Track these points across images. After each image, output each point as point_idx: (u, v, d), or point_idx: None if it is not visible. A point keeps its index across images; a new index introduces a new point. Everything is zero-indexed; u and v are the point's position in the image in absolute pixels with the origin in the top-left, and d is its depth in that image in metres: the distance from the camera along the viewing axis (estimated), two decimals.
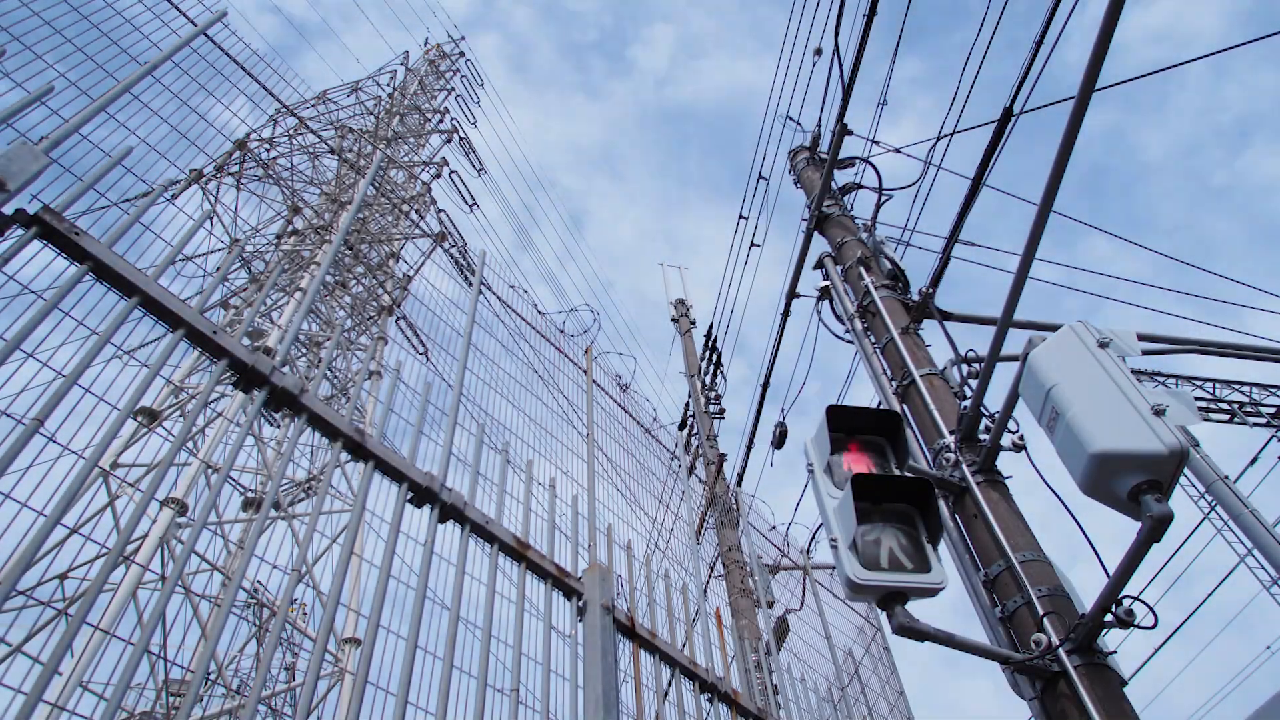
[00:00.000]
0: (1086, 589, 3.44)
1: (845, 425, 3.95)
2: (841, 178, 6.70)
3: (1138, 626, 2.95)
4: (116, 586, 7.83)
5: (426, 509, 2.78)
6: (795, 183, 7.48)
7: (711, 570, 8.89)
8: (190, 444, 9.73)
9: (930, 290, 5.07)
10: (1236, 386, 11.78)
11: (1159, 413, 2.75)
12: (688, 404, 11.16)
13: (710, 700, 3.58)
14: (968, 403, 4.12)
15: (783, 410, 7.47)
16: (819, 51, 7.53)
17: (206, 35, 7.55)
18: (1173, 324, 5.51)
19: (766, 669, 5.01)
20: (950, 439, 4.23)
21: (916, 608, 3.38)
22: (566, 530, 3.47)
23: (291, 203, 14.06)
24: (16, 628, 7.79)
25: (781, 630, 8.26)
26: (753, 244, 9.48)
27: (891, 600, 3.29)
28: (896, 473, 3.84)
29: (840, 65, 6.06)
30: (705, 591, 5.62)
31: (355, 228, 14.29)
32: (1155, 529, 2.70)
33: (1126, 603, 2.96)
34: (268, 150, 13.88)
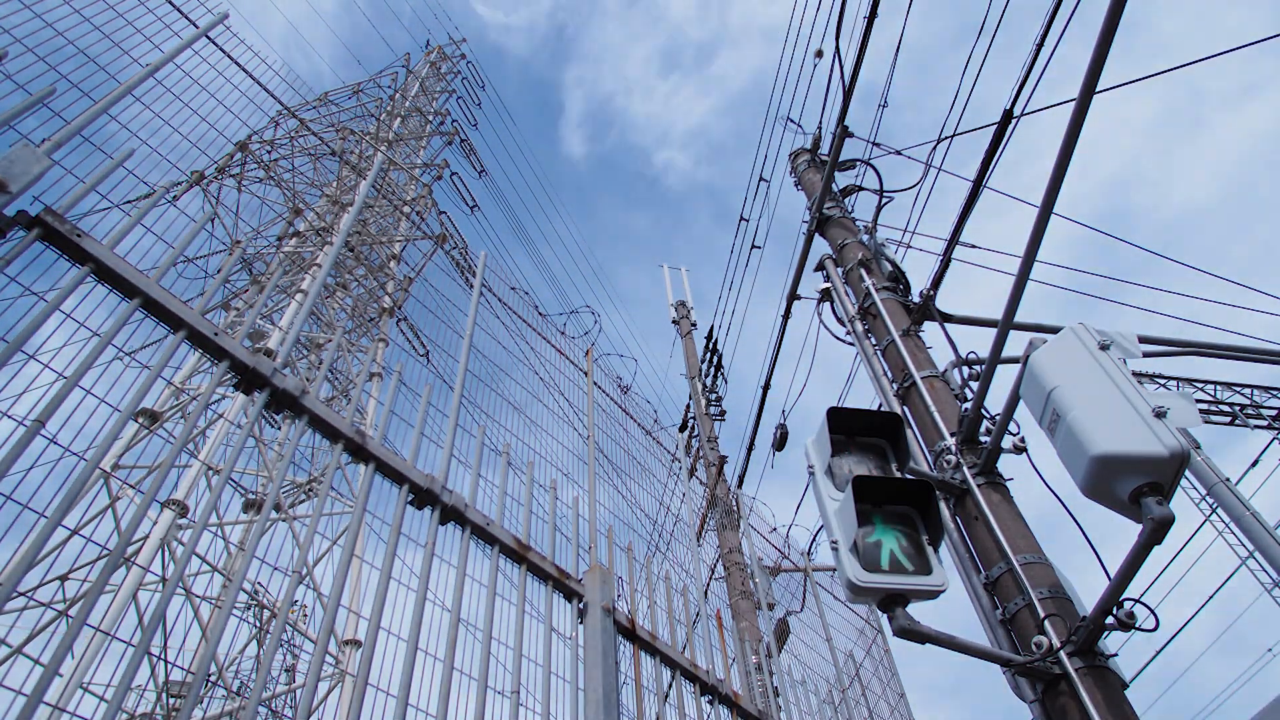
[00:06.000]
0: (1087, 592, 3.44)
1: (846, 427, 3.95)
2: (842, 179, 6.71)
3: (1139, 629, 2.94)
4: (117, 588, 7.84)
5: (427, 511, 2.79)
6: (796, 185, 7.48)
7: (712, 572, 8.88)
8: (191, 446, 9.73)
9: (931, 292, 5.07)
10: (1237, 389, 11.78)
11: (1160, 415, 2.75)
12: (688, 406, 11.15)
13: (711, 702, 3.58)
14: (969, 405, 4.12)
15: (784, 412, 7.47)
16: (820, 53, 7.54)
17: (208, 37, 7.56)
18: (1173, 326, 5.51)
19: (767, 671, 5.00)
20: (951, 441, 4.23)
21: (918, 609, 3.38)
22: (567, 532, 3.47)
23: (293, 204, 14.07)
24: (17, 629, 7.80)
25: (782, 632, 8.25)
26: (754, 246, 9.49)
27: (892, 602, 3.29)
28: (897, 475, 3.84)
29: (841, 67, 6.07)
30: (706, 593, 5.61)
31: (356, 229, 14.30)
32: (1156, 531, 2.69)
33: (1128, 605, 2.95)
34: (269, 152, 13.89)
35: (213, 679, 9.85)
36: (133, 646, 3.01)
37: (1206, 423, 11.36)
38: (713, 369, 11.02)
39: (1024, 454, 3.92)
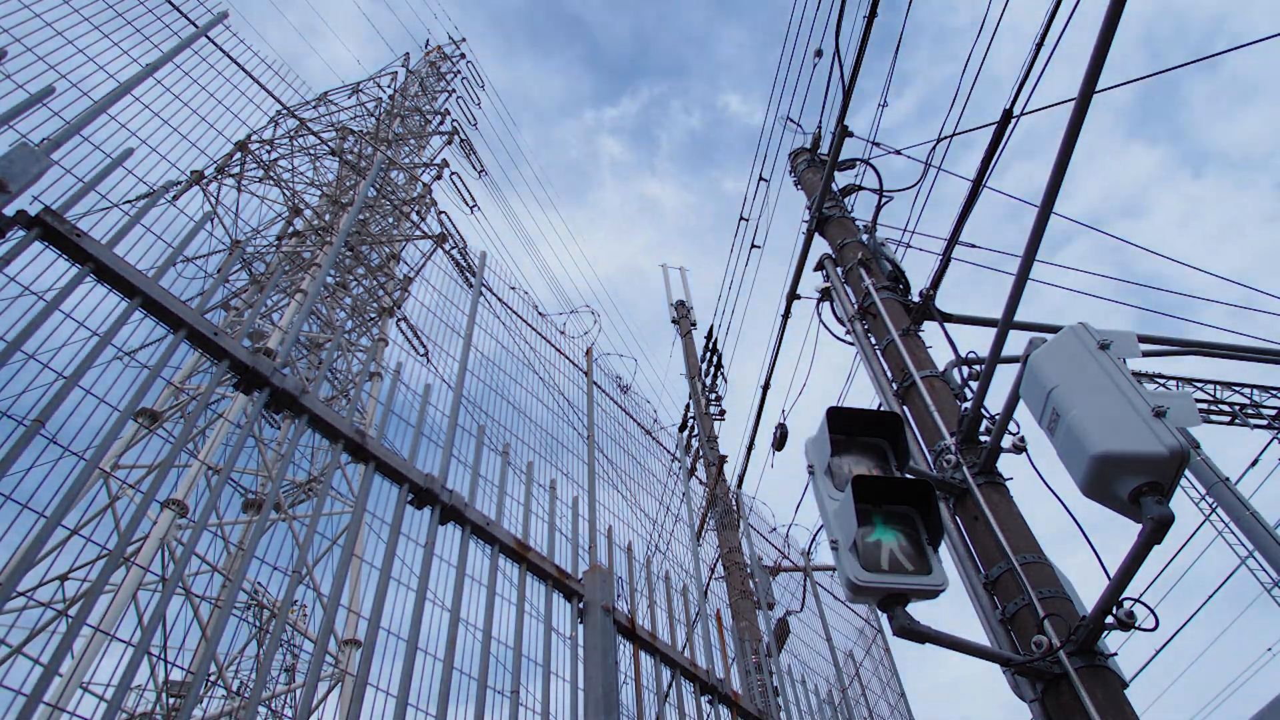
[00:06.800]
0: (1086, 592, 3.44)
1: (846, 427, 3.94)
2: (842, 179, 6.70)
3: (1139, 629, 2.94)
4: (117, 588, 7.84)
5: (427, 510, 2.79)
6: (796, 184, 7.48)
7: (712, 572, 8.88)
8: (191, 445, 9.73)
9: (931, 292, 5.07)
10: (1237, 388, 11.78)
11: (1159, 414, 2.75)
12: (688, 405, 11.15)
13: (711, 702, 3.58)
14: (968, 404, 4.12)
15: (783, 412, 7.47)
16: (819, 53, 7.53)
17: (207, 37, 7.56)
18: (1173, 326, 5.51)
19: (767, 671, 5.00)
20: (951, 441, 4.23)
21: (917, 609, 3.38)
22: (567, 532, 3.47)
23: (292, 204, 14.07)
24: (17, 629, 7.80)
25: (782, 632, 8.25)
26: (753, 245, 9.49)
27: (892, 602, 3.28)
28: (897, 474, 3.84)
29: (841, 67, 6.07)
30: (705, 593, 5.61)
31: (356, 229, 14.29)
32: (1156, 531, 2.69)
33: (1127, 605, 2.95)
34: (268, 152, 13.89)
35: (213, 679, 9.85)
36: (133, 646, 3.01)
37: (1206, 422, 11.37)
38: (713, 369, 11.02)
39: (1024, 453, 3.92)
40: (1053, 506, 3.43)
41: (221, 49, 7.92)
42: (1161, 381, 11.27)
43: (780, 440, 7.05)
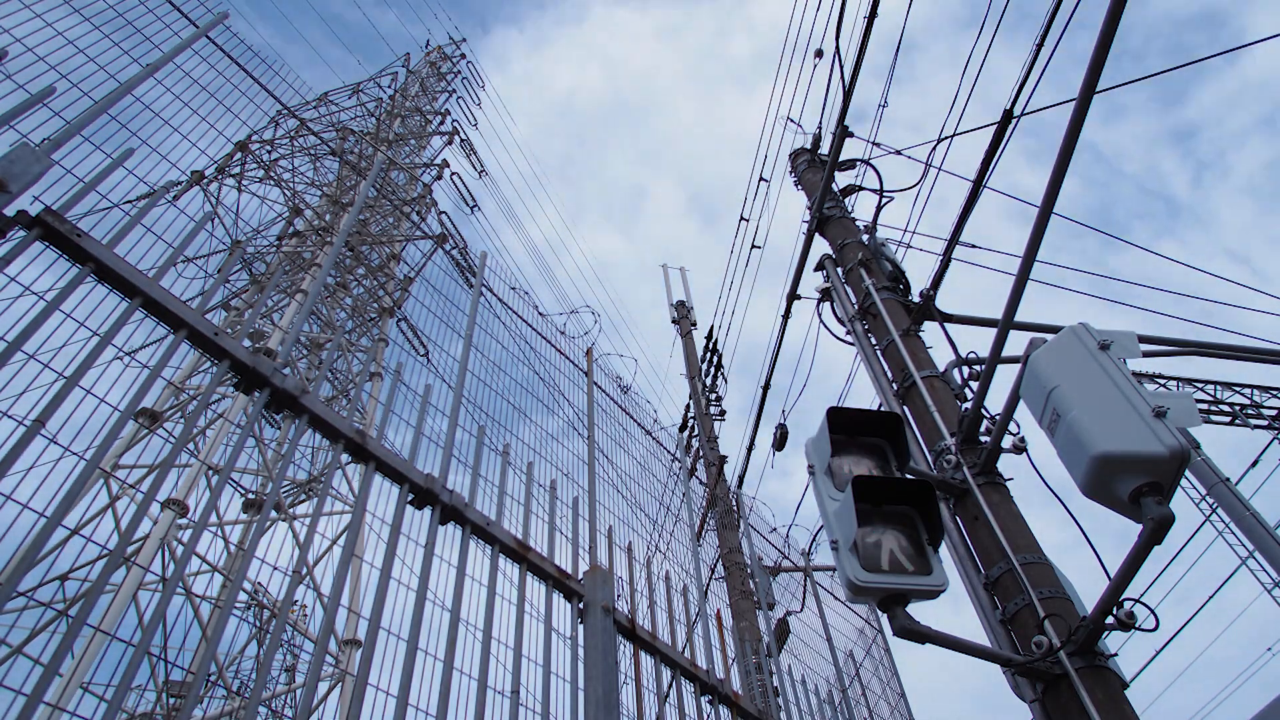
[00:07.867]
0: (1086, 592, 3.44)
1: (846, 427, 3.94)
2: (842, 179, 6.70)
3: (1139, 629, 2.94)
4: (117, 588, 7.84)
5: (427, 510, 2.78)
6: (796, 184, 7.47)
7: (712, 572, 8.88)
8: (191, 445, 9.73)
9: (931, 292, 5.07)
10: (1238, 389, 11.78)
11: (1160, 415, 2.75)
12: (688, 405, 11.15)
13: (711, 702, 3.58)
14: (969, 405, 4.12)
15: (783, 412, 7.47)
16: (819, 53, 7.54)
17: (208, 37, 7.56)
18: (1174, 326, 5.51)
19: (767, 671, 5.00)
20: (951, 441, 4.23)
21: (918, 608, 3.38)
22: (567, 532, 3.47)
23: (293, 204, 14.07)
24: (17, 629, 7.80)
25: (782, 632, 8.25)
26: (754, 245, 9.49)
27: (892, 602, 3.28)
28: (897, 474, 3.84)
29: (841, 67, 6.07)
30: (706, 593, 5.61)
31: (356, 229, 14.29)
32: (1156, 531, 2.69)
33: (1128, 605, 2.95)
34: (269, 152, 13.89)
35: (213, 679, 9.85)
36: (133, 646, 3.01)
37: (1206, 423, 11.36)
38: (713, 369, 11.02)
39: (1024, 454, 3.92)
40: (1056, 509, 3.43)
41: (222, 49, 7.92)
42: (1161, 381, 11.28)
43: (780, 440, 7.05)
